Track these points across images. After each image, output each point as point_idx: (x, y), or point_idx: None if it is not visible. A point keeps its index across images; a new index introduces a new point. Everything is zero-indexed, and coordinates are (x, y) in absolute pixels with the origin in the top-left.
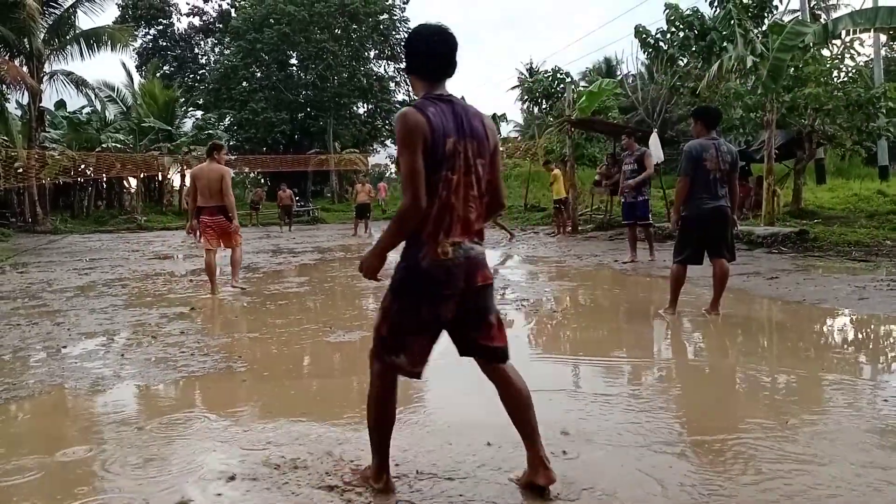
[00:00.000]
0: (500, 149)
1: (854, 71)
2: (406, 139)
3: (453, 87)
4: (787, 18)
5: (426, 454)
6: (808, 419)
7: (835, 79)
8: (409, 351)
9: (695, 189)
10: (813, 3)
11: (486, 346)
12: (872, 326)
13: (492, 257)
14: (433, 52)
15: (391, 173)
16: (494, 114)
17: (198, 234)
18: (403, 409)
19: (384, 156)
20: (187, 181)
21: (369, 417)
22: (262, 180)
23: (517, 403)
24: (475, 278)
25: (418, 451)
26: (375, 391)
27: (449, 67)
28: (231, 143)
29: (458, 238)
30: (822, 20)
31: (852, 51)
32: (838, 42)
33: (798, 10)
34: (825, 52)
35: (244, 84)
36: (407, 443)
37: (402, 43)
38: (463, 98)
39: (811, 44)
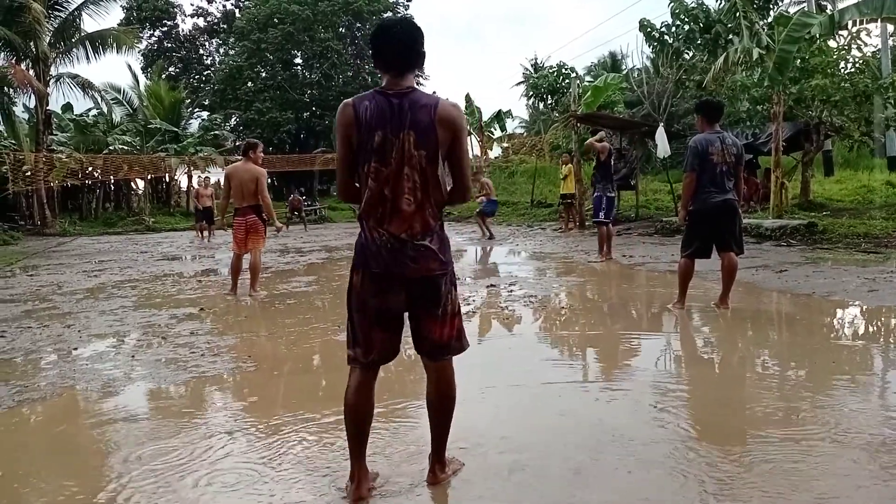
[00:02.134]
0: (493, 142)
1: (861, 61)
2: (336, 129)
3: (458, 83)
4: (792, 10)
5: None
6: (819, 412)
7: (842, 70)
8: (362, 341)
9: (702, 183)
10: None
11: (424, 337)
12: (882, 318)
13: (498, 254)
14: (378, 48)
15: None
16: (500, 110)
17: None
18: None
19: None
20: (194, 182)
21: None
22: (270, 180)
23: (440, 405)
24: (415, 270)
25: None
26: (347, 387)
27: (399, 61)
28: (237, 144)
29: (394, 231)
30: (828, 11)
31: (859, 41)
32: (845, 33)
33: (804, 1)
34: (832, 43)
35: (249, 84)
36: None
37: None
38: (434, 93)
39: (817, 35)
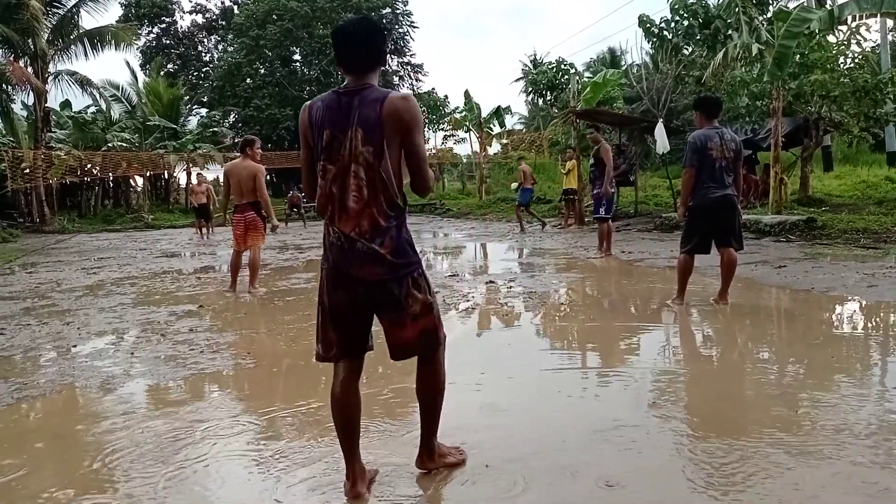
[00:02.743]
0: (501, 137)
1: (860, 57)
2: (299, 131)
3: (457, 78)
4: (791, 5)
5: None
6: (818, 408)
7: (841, 65)
8: (322, 339)
9: (701, 178)
10: None
11: (386, 336)
12: (882, 313)
13: (498, 250)
14: (336, 50)
15: None
16: (499, 106)
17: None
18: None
19: None
20: (194, 178)
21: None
22: (269, 177)
23: (422, 396)
24: (360, 271)
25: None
26: (332, 384)
27: (355, 62)
28: (236, 141)
29: (344, 229)
30: (827, 6)
31: (858, 36)
32: (844, 28)
33: None
34: (831, 39)
35: (248, 81)
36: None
37: (405, 37)
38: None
39: (817, 30)
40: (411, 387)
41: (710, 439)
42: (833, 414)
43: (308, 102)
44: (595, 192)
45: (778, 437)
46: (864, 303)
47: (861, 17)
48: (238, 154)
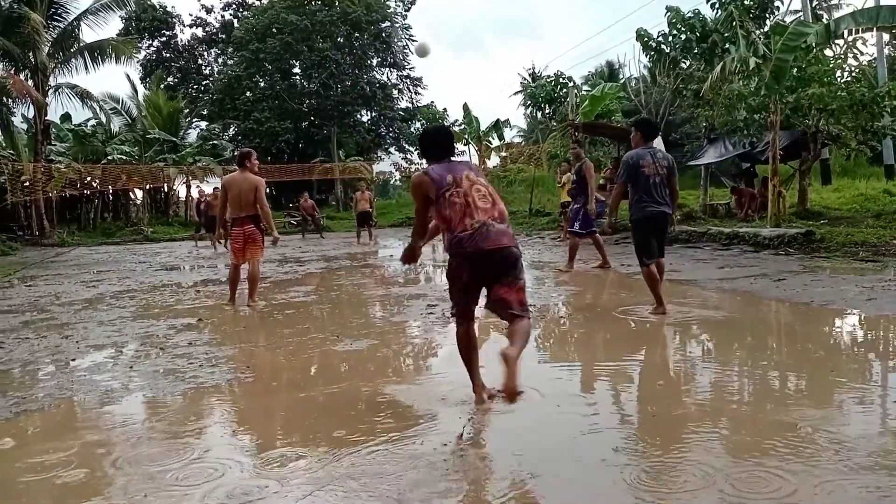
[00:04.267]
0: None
1: (857, 70)
2: None
3: (457, 92)
4: (788, 19)
5: None
6: (820, 424)
7: (838, 79)
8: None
9: (639, 194)
10: (815, 4)
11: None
12: (881, 327)
13: None
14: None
15: (396, 180)
16: (498, 119)
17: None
18: None
19: (388, 163)
20: (193, 192)
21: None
22: (269, 190)
23: (512, 336)
24: None
25: None
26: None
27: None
28: (235, 154)
29: None
30: (824, 20)
31: (855, 50)
32: (841, 42)
33: (800, 11)
34: (828, 52)
35: (248, 94)
36: None
37: (404, 50)
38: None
39: (814, 44)
40: None
41: (709, 455)
42: (833, 428)
43: None
44: (575, 206)
45: (778, 451)
46: (863, 316)
47: (857, 31)
48: (236, 167)
